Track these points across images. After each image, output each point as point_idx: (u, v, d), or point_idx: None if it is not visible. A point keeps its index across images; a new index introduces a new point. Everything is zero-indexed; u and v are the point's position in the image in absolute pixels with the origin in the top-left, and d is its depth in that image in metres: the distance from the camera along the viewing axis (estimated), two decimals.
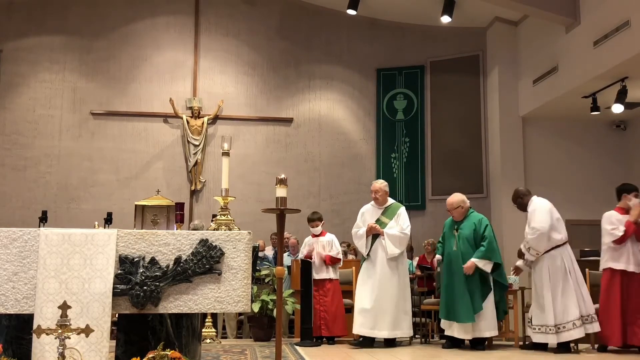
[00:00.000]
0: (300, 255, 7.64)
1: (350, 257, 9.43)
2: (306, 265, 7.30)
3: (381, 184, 7.01)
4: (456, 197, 6.76)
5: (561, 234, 6.29)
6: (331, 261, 7.21)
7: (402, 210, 6.91)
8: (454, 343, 6.58)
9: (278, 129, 11.89)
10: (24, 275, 3.45)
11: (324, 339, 7.22)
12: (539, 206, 6.34)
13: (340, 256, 7.35)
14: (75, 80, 11.51)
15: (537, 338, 6.23)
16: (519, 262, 6.67)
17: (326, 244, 7.29)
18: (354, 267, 7.99)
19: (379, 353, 6.14)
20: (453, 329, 6.49)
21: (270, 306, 7.42)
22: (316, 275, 7.25)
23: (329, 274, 7.23)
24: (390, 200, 7.01)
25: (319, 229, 7.40)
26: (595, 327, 6.11)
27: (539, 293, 6.26)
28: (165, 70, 11.74)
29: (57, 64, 11.48)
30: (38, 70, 11.42)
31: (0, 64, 11.26)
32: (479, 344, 6.45)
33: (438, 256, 7.07)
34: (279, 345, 4.17)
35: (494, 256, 6.44)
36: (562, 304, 6.07)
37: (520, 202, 6.56)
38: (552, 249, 6.22)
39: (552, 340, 6.08)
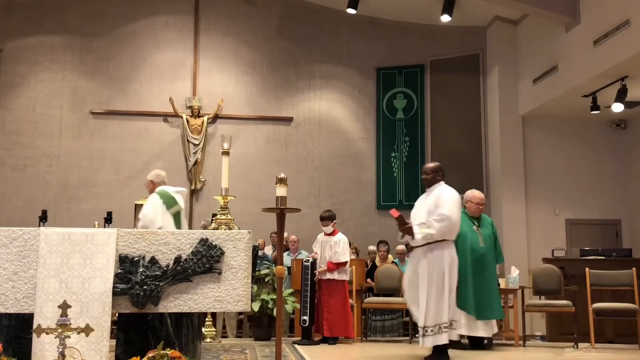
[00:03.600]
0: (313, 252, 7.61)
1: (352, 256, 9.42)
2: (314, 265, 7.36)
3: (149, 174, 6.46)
4: (482, 194, 6.89)
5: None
6: (334, 266, 7.21)
7: (151, 197, 6.26)
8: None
9: (278, 128, 11.88)
10: (24, 275, 3.45)
11: (322, 339, 7.21)
12: (454, 197, 5.47)
13: (345, 257, 7.26)
14: (75, 80, 11.50)
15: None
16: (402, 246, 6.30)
17: (333, 244, 7.29)
18: (354, 267, 8.01)
19: (379, 352, 6.14)
20: (478, 328, 6.32)
21: (270, 305, 7.42)
22: (322, 276, 7.25)
23: (333, 274, 7.23)
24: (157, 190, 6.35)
25: (329, 229, 7.39)
26: (453, 335, 5.43)
27: (433, 285, 5.32)
28: (165, 69, 11.73)
29: (57, 63, 11.47)
30: (38, 70, 11.41)
31: (0, 64, 11.26)
32: (479, 342, 6.44)
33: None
34: (279, 344, 4.17)
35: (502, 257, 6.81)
36: (438, 303, 5.27)
37: (433, 177, 5.60)
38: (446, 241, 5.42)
39: (429, 342, 5.30)
